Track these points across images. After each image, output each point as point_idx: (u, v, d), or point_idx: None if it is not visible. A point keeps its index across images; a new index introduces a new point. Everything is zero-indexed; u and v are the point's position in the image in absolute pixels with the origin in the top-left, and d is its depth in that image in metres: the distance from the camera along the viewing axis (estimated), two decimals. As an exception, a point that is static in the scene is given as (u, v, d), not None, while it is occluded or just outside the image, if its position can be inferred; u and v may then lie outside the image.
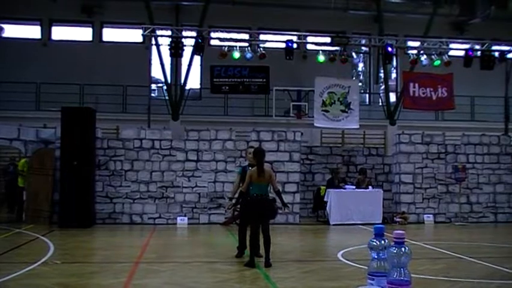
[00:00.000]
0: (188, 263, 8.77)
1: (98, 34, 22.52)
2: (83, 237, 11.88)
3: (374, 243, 2.37)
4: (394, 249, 2.24)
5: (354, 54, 18.78)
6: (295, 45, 17.37)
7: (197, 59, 19.40)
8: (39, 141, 15.04)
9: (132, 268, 8.01)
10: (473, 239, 12.48)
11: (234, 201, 9.18)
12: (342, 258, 9.11)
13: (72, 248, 10.35)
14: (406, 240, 2.30)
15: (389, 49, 17.16)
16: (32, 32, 22.35)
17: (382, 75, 22.89)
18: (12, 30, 22.19)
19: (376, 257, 2.36)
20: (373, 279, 2.33)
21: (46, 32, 22.23)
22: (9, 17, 21.85)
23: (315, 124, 17.44)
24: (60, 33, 22.41)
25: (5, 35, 21.99)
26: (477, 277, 7.57)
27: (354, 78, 22.97)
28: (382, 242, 2.36)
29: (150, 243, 11.06)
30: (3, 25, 21.91)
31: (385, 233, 2.42)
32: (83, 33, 22.52)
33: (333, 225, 14.75)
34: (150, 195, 14.94)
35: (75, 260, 9.00)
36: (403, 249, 2.23)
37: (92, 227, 13.78)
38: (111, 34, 22.75)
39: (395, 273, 2.21)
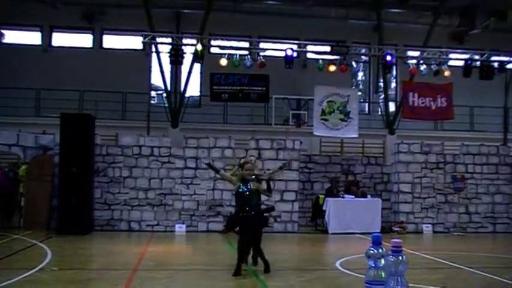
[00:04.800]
0: (186, 270, 8.75)
1: (98, 41, 22.57)
2: (80, 244, 11.84)
3: (371, 251, 2.37)
4: (392, 258, 2.24)
5: (353, 63, 18.77)
6: (295, 54, 17.40)
7: (197, 66, 19.43)
8: (38, 147, 15.04)
9: (130, 275, 7.98)
10: (471, 249, 12.46)
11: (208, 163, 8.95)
12: (340, 267, 9.08)
13: (70, 254, 10.33)
14: (404, 249, 2.29)
15: (389, 58, 17.19)
16: (33, 38, 22.41)
17: (381, 84, 22.92)
18: (13, 36, 22.22)
19: (373, 265, 2.36)
20: (370, 288, 2.33)
21: (47, 38, 22.29)
22: (10, 23, 21.88)
23: (314, 133, 17.44)
24: (60, 39, 22.46)
25: (5, 40, 22.02)
26: (476, 287, 7.55)
27: (353, 87, 22.97)
28: (380, 250, 2.36)
29: (148, 251, 11.04)
30: (3, 31, 21.95)
31: (383, 242, 2.42)
32: (84, 40, 22.57)
33: (332, 234, 14.73)
34: (148, 203, 14.92)
35: (73, 266, 8.98)
36: (400, 257, 2.23)
37: (90, 233, 13.75)
38: (111, 41, 22.80)
39: (393, 282, 2.21)
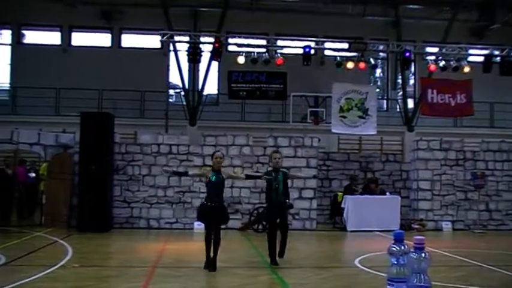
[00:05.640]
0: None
1: (116, 40, 22.71)
2: (100, 241, 11.97)
3: (394, 248, 2.36)
4: (414, 255, 2.23)
5: (371, 60, 18.62)
6: (312, 51, 17.34)
7: (215, 64, 19.47)
8: (58, 145, 15.22)
9: (149, 272, 8.05)
10: (492, 246, 12.32)
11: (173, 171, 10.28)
12: (359, 265, 9.06)
13: (90, 251, 10.44)
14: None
15: (407, 55, 17.05)
16: (52, 38, 22.62)
17: (400, 81, 22.74)
18: (33, 36, 22.50)
19: (395, 262, 2.35)
20: (392, 285, 2.32)
21: (66, 38, 22.48)
22: (30, 23, 22.17)
23: (332, 130, 17.38)
24: (79, 39, 22.65)
25: (25, 40, 22.32)
26: (497, 285, 7.48)
27: (371, 84, 22.81)
28: (402, 247, 2.35)
29: (167, 248, 11.11)
30: (24, 31, 22.25)
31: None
32: (102, 39, 22.74)
33: (350, 231, 14.67)
34: (167, 200, 15.01)
35: (93, 263, 9.07)
36: (423, 254, 2.22)
37: (109, 231, 13.88)
38: (129, 40, 22.93)
39: (415, 279, 2.20)
